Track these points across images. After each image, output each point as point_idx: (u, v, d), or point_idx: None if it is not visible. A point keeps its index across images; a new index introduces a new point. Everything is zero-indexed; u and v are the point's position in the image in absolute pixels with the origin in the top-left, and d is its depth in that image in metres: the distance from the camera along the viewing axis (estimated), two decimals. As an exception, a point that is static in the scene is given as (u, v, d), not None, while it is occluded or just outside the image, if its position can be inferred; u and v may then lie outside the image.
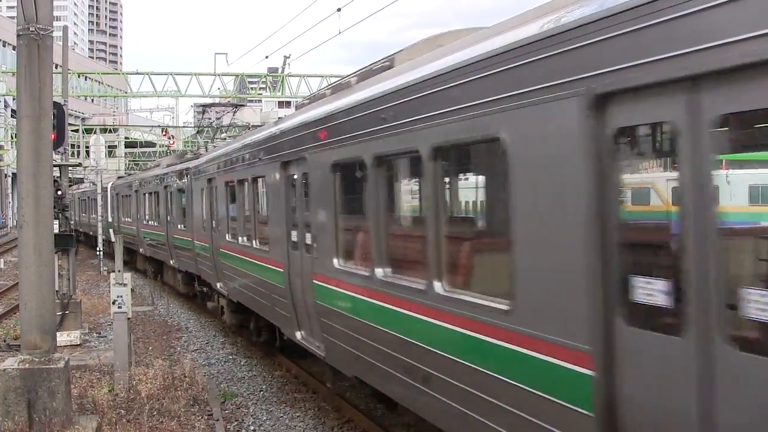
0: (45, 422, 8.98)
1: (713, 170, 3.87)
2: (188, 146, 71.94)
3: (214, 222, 17.31)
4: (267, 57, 53.38)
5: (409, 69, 7.23)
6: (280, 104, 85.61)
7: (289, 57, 47.79)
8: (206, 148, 23.19)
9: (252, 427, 11.09)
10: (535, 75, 4.98)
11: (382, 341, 7.70)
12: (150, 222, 28.38)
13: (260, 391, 13.07)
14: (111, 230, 37.25)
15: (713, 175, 3.87)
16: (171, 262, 24.14)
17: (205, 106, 28.41)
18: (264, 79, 49.90)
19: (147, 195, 29.19)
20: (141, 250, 30.96)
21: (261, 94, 55.75)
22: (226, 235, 15.70)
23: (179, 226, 22.50)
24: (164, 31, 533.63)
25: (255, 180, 13.43)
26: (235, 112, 28.65)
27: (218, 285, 17.06)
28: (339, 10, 26.58)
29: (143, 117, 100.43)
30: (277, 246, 11.82)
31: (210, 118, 33.04)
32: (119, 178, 42.53)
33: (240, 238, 14.57)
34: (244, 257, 14.23)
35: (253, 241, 13.53)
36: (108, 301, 14.77)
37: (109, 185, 39.53)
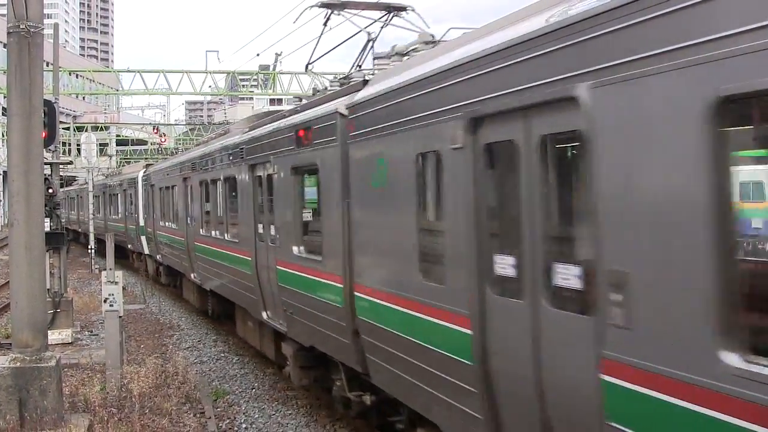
0: (36, 420, 8.97)
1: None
2: (180, 144, 71.98)
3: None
4: (258, 55, 53.39)
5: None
6: (272, 102, 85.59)
7: (280, 54, 47.77)
8: (363, 73, 10.28)
9: (244, 425, 11.11)
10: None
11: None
12: (213, 233, 16.22)
13: (252, 389, 13.09)
14: (143, 237, 27.62)
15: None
16: (264, 315, 12.56)
17: (329, 5, 14.78)
18: (255, 77, 49.93)
19: (205, 186, 17.11)
20: (193, 276, 18.86)
21: (252, 91, 55.77)
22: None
23: (295, 249, 10.65)
24: (155, 28, 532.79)
25: None
26: (387, 23, 13.18)
27: None
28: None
29: (135, 115, 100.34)
30: None
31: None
32: (147, 166, 30.26)
33: None
34: None
35: None
36: (99, 299, 14.74)
37: (140, 175, 28.74)
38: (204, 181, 17.13)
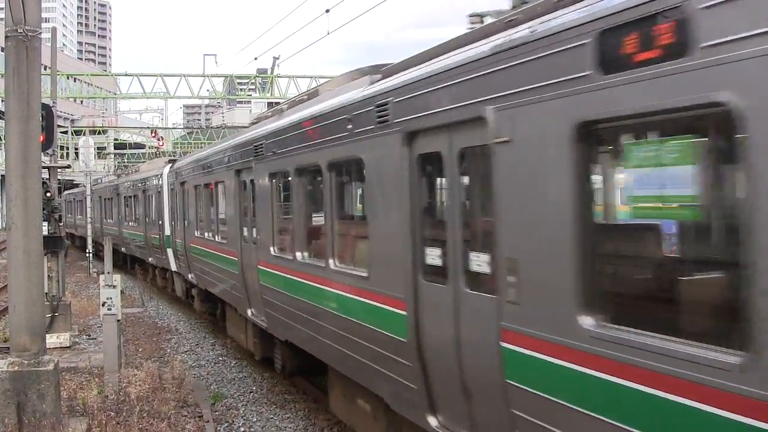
0: (35, 424, 8.96)
1: None
2: (178, 147, 72.02)
3: None
4: (256, 58, 53.50)
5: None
6: (269, 105, 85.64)
7: (278, 58, 47.90)
8: None
9: (242, 429, 11.11)
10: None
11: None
12: (299, 256, 10.17)
13: (250, 393, 13.09)
14: (170, 251, 21.95)
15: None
16: (432, 421, 6.66)
17: None
18: (253, 80, 49.98)
19: (281, 181, 11.44)
20: (250, 313, 13.10)
21: (250, 95, 55.80)
22: None
23: (585, 322, 4.58)
24: (153, 32, 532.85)
25: None
26: None
27: None
28: (327, 11, 26.66)
29: (132, 118, 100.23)
30: None
31: None
32: (173, 161, 24.21)
33: None
34: None
35: None
36: (97, 302, 14.73)
37: (165, 171, 23.00)
38: (280, 173, 11.17)
